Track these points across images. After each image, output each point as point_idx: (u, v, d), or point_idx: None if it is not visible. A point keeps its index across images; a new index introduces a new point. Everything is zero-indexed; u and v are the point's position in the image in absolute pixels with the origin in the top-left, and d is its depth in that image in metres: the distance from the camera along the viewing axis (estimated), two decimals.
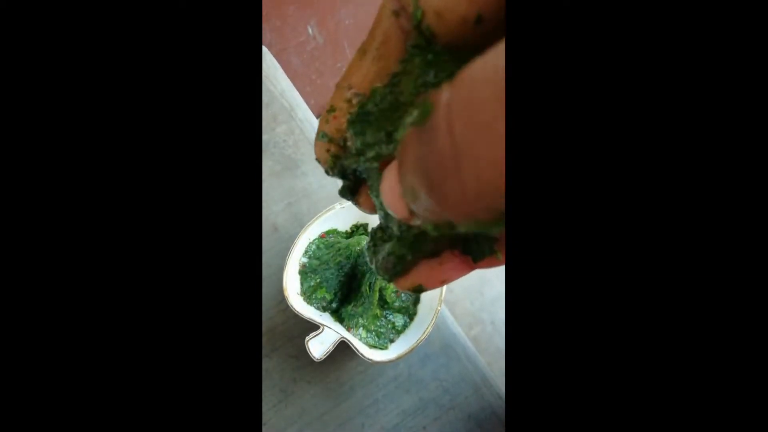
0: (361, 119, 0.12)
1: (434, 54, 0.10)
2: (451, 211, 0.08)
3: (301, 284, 0.40)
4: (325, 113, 0.13)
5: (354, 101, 0.12)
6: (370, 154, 0.12)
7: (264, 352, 0.44)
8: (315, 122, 0.53)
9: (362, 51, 0.12)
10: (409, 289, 0.14)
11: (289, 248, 0.40)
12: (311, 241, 0.41)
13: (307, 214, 0.48)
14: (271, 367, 0.43)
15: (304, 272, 0.40)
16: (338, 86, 0.12)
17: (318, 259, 0.41)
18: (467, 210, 0.08)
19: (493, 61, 0.07)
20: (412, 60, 0.11)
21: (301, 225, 0.47)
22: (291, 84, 0.54)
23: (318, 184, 0.50)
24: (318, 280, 0.40)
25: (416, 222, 0.11)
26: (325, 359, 0.43)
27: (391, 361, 0.37)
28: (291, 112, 0.52)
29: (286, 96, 0.53)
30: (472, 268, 0.13)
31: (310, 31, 0.91)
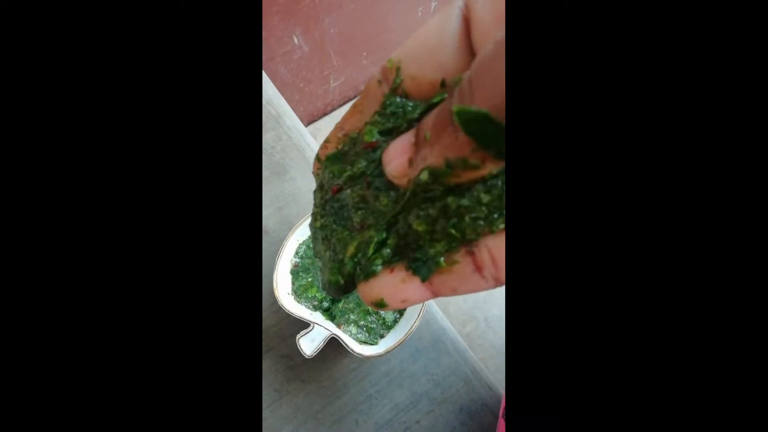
0: (332, 157, 0.16)
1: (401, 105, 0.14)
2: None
3: (293, 283, 0.41)
4: (323, 142, 0.16)
5: (342, 138, 0.15)
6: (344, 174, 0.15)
7: None
8: (302, 129, 0.54)
9: (354, 107, 0.15)
10: (371, 303, 0.15)
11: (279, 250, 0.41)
12: (301, 242, 0.42)
13: (296, 217, 0.49)
14: (265, 367, 0.44)
15: (296, 272, 0.42)
16: (336, 127, 0.16)
17: (310, 258, 0.42)
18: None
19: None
20: (385, 107, 0.14)
21: (290, 228, 0.48)
22: (278, 92, 0.55)
23: (306, 188, 0.51)
24: (310, 279, 0.41)
25: (412, 175, 0.13)
26: (317, 358, 0.44)
27: (380, 356, 0.38)
28: (278, 120, 0.53)
29: (273, 104, 0.54)
30: (434, 294, 0.14)
31: (295, 40, 0.92)
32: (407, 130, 0.13)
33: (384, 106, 0.13)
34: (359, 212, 0.15)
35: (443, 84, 0.12)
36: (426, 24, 0.12)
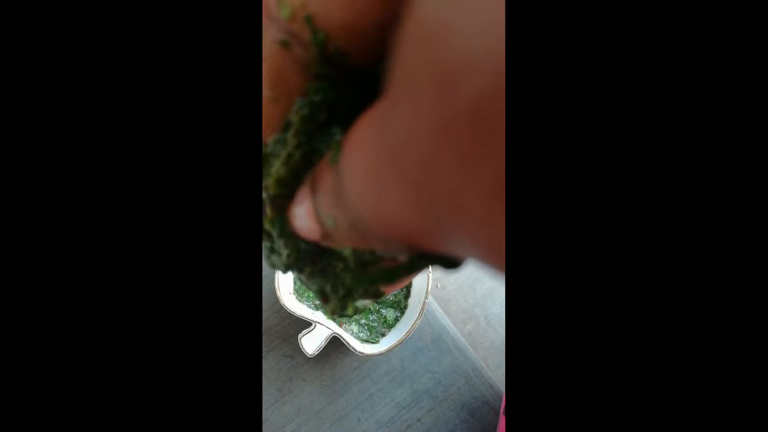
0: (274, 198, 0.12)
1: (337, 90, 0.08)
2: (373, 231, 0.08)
3: (294, 283, 0.41)
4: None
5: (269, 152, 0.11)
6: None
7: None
8: None
9: (264, 96, 0.10)
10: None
11: None
12: None
13: None
14: (267, 367, 0.45)
15: None
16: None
17: None
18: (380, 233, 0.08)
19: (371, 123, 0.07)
20: (314, 96, 0.09)
21: None
22: None
23: None
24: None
25: (327, 243, 0.10)
26: (319, 357, 0.44)
27: (381, 354, 0.38)
28: None
29: None
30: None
31: None
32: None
33: (308, 92, 0.09)
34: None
35: (382, 29, 0.08)
36: None
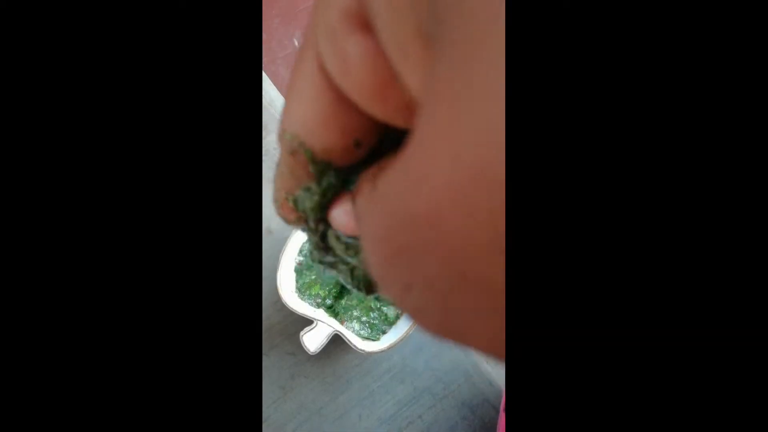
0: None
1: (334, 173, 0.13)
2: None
3: (296, 281, 0.42)
4: (273, 200, 0.15)
5: (288, 198, 0.14)
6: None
7: (262, 350, 0.45)
8: None
9: (279, 171, 0.13)
10: None
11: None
12: (305, 240, 0.43)
13: None
14: (269, 364, 0.45)
15: (300, 270, 0.42)
16: (275, 186, 0.15)
17: None
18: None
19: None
20: (319, 180, 0.13)
21: (293, 228, 0.48)
22: (279, 94, 0.56)
23: None
24: (313, 277, 0.42)
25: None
26: (320, 354, 0.45)
27: (382, 351, 0.39)
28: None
29: (275, 105, 0.55)
30: None
31: (296, 43, 0.93)
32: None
33: (319, 182, 0.13)
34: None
35: (357, 144, 0.11)
36: (293, 80, 0.11)
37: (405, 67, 0.08)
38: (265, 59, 0.91)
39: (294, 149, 0.12)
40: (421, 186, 0.07)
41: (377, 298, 0.42)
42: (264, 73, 0.57)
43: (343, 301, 0.42)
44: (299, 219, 0.15)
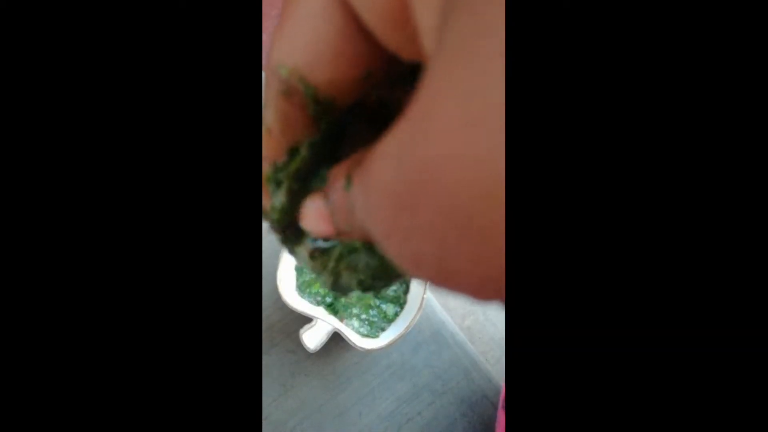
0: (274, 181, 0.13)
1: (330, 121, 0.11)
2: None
3: (297, 279, 0.42)
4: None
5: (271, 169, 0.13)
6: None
7: (263, 348, 0.46)
8: None
9: (267, 130, 0.12)
10: None
11: None
12: None
13: None
14: (269, 362, 0.45)
15: (300, 268, 0.43)
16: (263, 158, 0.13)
17: None
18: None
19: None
20: (318, 127, 0.11)
21: None
22: None
23: None
24: (314, 275, 0.42)
25: (341, 238, 0.12)
26: (321, 352, 0.45)
27: (381, 349, 0.39)
28: None
29: None
30: None
31: None
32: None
33: (320, 127, 0.11)
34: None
35: (368, 75, 0.10)
36: (296, 13, 0.09)
37: (420, 13, 0.08)
38: (265, 60, 0.91)
39: (291, 87, 0.10)
40: (429, 136, 0.07)
41: (375, 295, 0.43)
42: (264, 74, 0.57)
43: (342, 300, 0.42)
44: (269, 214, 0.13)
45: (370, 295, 0.42)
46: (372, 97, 0.11)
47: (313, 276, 0.42)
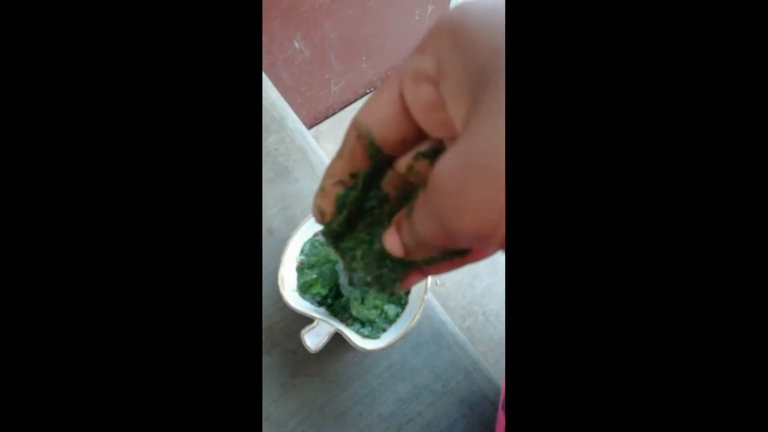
0: (331, 235, 0.20)
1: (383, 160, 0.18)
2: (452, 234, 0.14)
3: (298, 280, 0.42)
4: (318, 190, 0.20)
5: (335, 185, 0.19)
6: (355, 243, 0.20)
7: (264, 349, 0.46)
8: (305, 131, 0.56)
9: (339, 155, 0.18)
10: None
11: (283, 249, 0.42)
12: (306, 240, 0.44)
13: (300, 217, 0.50)
14: (270, 363, 0.46)
15: (301, 269, 0.43)
16: (325, 175, 0.19)
17: (315, 255, 0.43)
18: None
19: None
20: (369, 163, 0.18)
21: (295, 227, 0.49)
22: (280, 96, 0.57)
23: (309, 189, 0.52)
24: (315, 276, 0.42)
25: (408, 256, 0.17)
26: (321, 352, 0.45)
27: (382, 350, 0.39)
28: (281, 122, 0.55)
29: (276, 107, 0.56)
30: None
31: (296, 45, 0.94)
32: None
33: (370, 164, 0.18)
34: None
35: (404, 141, 0.17)
36: (378, 94, 0.16)
37: (454, 109, 0.14)
38: (265, 62, 0.91)
39: (362, 133, 0.17)
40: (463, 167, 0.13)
41: (375, 297, 0.43)
42: (265, 75, 0.58)
43: (342, 300, 0.42)
44: (332, 214, 0.19)
45: (371, 296, 0.42)
46: (402, 163, 0.18)
47: (314, 277, 0.43)
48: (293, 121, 0.56)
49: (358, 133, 0.17)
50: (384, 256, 0.19)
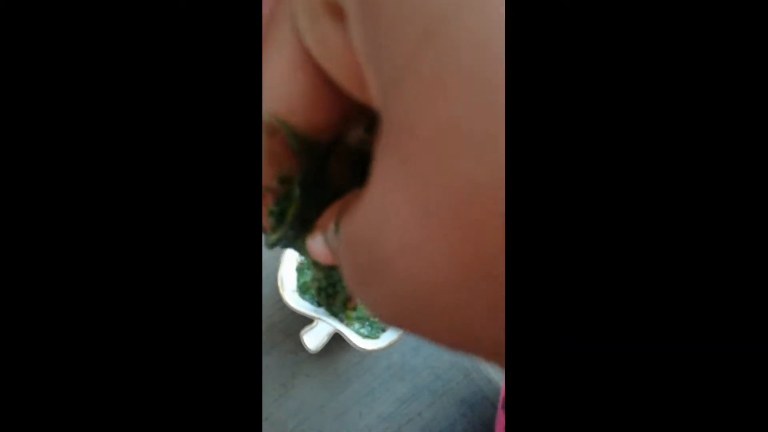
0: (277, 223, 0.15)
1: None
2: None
3: (297, 280, 0.42)
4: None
5: (265, 196, 0.14)
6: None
7: (264, 349, 0.46)
8: None
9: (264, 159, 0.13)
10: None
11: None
12: None
13: None
14: (270, 363, 0.46)
15: (301, 269, 0.43)
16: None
17: None
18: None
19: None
20: (301, 161, 0.12)
21: None
22: None
23: None
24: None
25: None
26: (321, 352, 0.45)
27: (382, 350, 0.39)
28: None
29: None
30: None
31: None
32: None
33: (303, 162, 0.12)
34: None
35: (346, 119, 0.11)
36: (269, 61, 0.11)
37: (365, 70, 0.08)
38: None
39: (273, 128, 0.11)
40: (383, 231, 0.08)
41: None
42: None
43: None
44: (271, 229, 0.14)
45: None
46: (353, 138, 0.12)
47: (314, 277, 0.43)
48: None
49: (268, 128, 0.12)
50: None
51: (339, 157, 0.12)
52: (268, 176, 0.13)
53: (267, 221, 0.14)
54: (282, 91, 0.11)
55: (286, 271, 0.42)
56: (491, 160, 0.06)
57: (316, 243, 0.13)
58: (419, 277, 0.07)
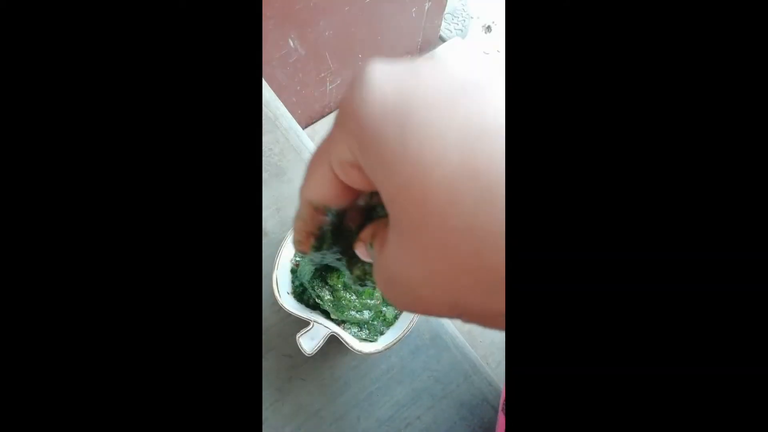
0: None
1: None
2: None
3: (292, 282, 0.42)
4: (294, 230, 0.22)
5: (307, 237, 0.22)
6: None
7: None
8: (299, 131, 0.55)
9: (300, 217, 0.20)
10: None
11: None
12: None
13: None
14: (266, 366, 0.45)
15: (296, 270, 0.42)
16: (294, 227, 0.22)
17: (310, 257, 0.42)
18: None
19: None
20: (333, 215, 0.20)
21: (289, 228, 0.48)
22: (274, 95, 0.56)
23: None
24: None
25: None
26: (318, 356, 0.44)
27: (380, 352, 0.39)
28: (275, 122, 0.54)
29: (270, 106, 0.55)
30: None
31: (291, 43, 0.93)
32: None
33: (329, 215, 0.20)
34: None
35: (356, 201, 0.20)
36: (313, 174, 0.18)
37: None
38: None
39: (318, 208, 0.19)
40: (401, 267, 0.15)
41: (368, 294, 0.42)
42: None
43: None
44: (315, 246, 0.22)
45: (366, 298, 0.41)
46: (361, 200, 0.20)
47: (309, 279, 0.42)
48: (287, 119, 0.55)
49: (310, 205, 0.19)
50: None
51: (353, 212, 0.21)
52: (313, 227, 0.21)
53: (308, 248, 0.22)
54: (322, 192, 0.18)
55: (280, 274, 0.41)
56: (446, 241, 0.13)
57: (360, 248, 0.20)
58: (437, 298, 0.14)
